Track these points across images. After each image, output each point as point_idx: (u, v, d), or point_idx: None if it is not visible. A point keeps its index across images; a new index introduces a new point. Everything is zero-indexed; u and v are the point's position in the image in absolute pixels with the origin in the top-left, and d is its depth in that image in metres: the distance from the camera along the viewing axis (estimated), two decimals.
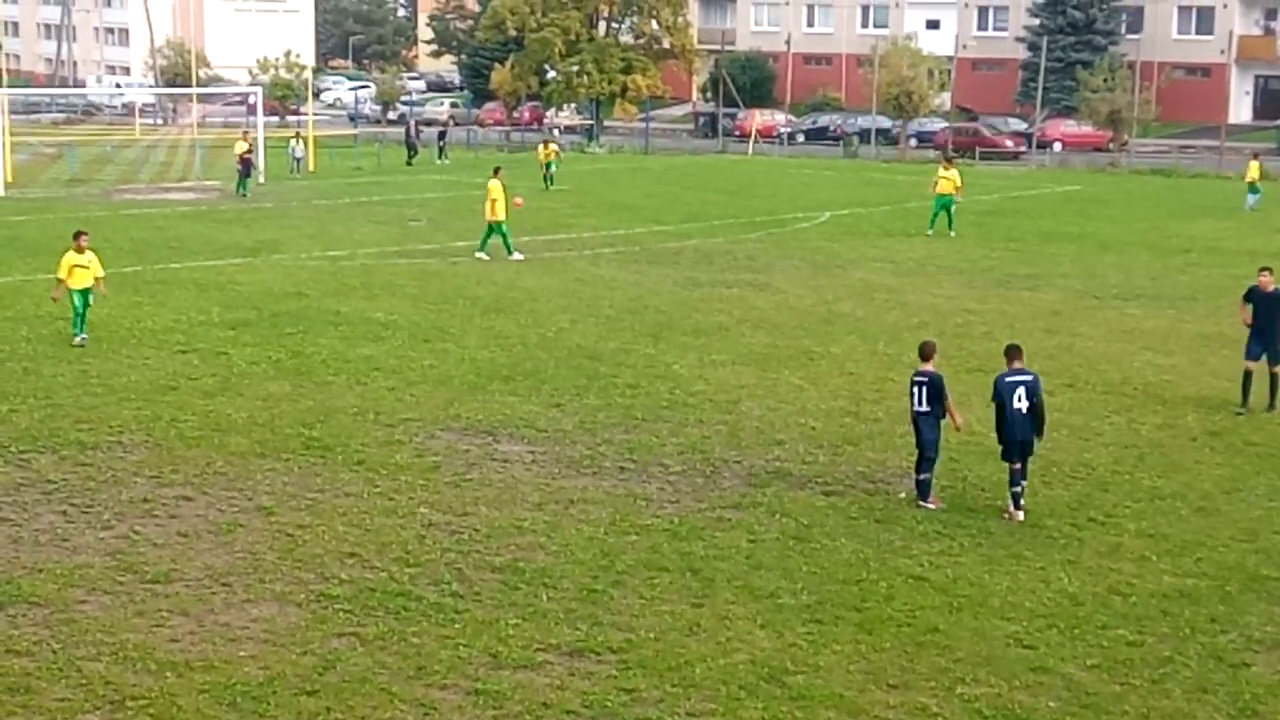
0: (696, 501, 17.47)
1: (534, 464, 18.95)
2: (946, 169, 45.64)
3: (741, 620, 13.81)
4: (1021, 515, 16.98)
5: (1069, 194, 59.28)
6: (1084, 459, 19.51)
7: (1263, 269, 23.02)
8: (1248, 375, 22.32)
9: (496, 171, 38.56)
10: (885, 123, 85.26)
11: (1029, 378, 17.16)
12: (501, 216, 37.02)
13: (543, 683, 12.42)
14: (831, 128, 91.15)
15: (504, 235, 37.06)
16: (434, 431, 20.35)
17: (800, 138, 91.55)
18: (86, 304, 25.59)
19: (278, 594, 14.34)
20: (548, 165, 57.77)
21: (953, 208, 44.54)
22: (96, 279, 25.81)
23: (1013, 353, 17.48)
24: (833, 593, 14.54)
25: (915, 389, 17.46)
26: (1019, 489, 17.12)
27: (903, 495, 17.73)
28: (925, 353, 17.57)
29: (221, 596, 14.28)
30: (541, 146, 60.25)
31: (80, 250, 25.61)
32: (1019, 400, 16.96)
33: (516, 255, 36.77)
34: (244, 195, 51.77)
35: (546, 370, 24.09)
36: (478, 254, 36.93)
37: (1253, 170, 53.66)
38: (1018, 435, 16.99)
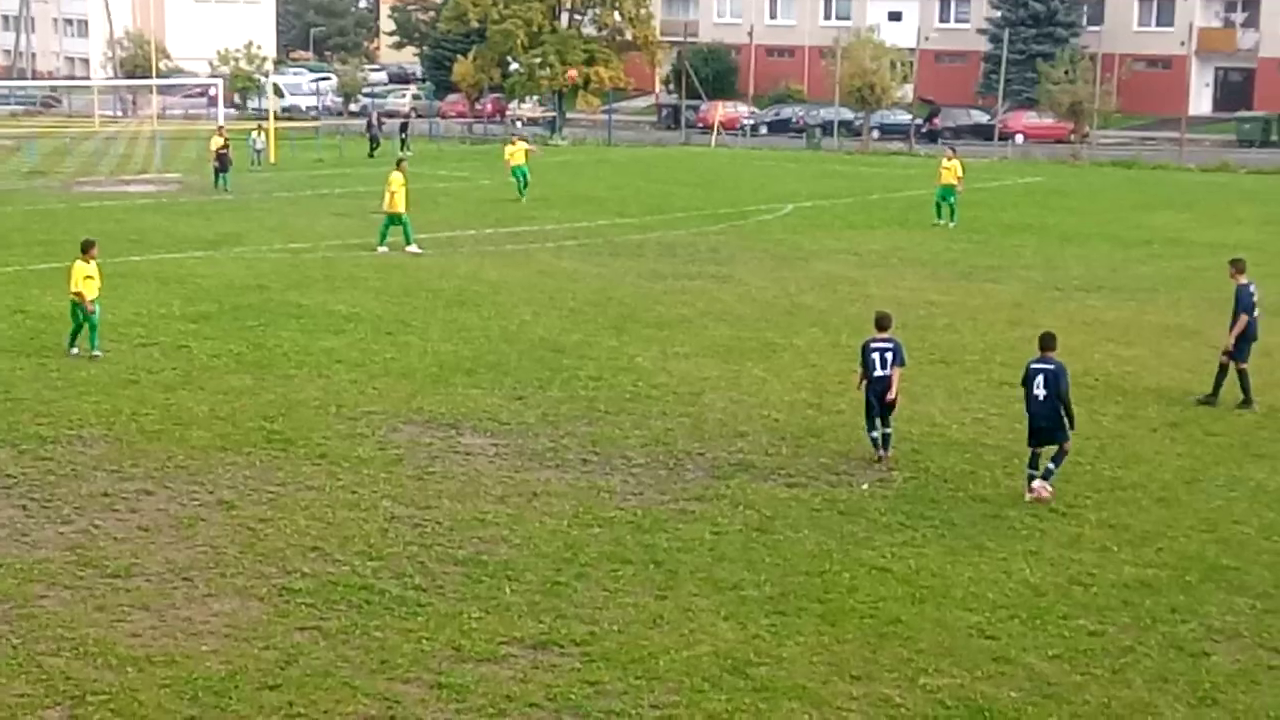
0: (660, 494, 17.47)
1: (497, 457, 18.91)
2: (949, 159, 45.59)
3: (705, 612, 13.81)
4: (1041, 494, 17.26)
5: (1031, 186, 59.50)
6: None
7: (1233, 261, 22.88)
8: (1243, 373, 22.21)
9: (399, 164, 38.37)
10: (848, 115, 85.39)
11: (1050, 366, 17.45)
12: (401, 209, 36.70)
13: (506, 675, 12.40)
14: (794, 120, 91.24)
15: (405, 226, 36.58)
16: (396, 424, 20.29)
17: (763, 130, 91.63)
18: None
19: (239, 588, 14.28)
20: (518, 172, 49.28)
21: (953, 199, 44.66)
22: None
23: (1043, 341, 17.88)
24: (796, 584, 14.56)
25: (877, 355, 18.64)
26: (1033, 472, 17.46)
27: (865, 487, 17.78)
28: (883, 323, 19.06)
29: (183, 591, 14.21)
30: (508, 145, 51.80)
31: (89, 260, 24.29)
32: (1038, 388, 17.39)
33: (413, 248, 36.21)
34: (226, 190, 51.30)
35: (509, 363, 24.06)
36: (379, 249, 36.33)
37: None
38: (1035, 421, 17.49)
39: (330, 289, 30.80)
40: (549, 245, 38.57)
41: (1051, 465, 17.45)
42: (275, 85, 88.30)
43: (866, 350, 18.93)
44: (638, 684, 12.25)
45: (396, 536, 15.78)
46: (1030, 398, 17.49)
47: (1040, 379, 17.38)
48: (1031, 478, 17.44)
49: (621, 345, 25.67)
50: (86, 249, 24.47)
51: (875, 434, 18.87)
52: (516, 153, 49.92)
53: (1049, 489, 17.32)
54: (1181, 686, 12.38)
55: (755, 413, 21.29)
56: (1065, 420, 17.42)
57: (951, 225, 43.78)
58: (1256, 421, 21.24)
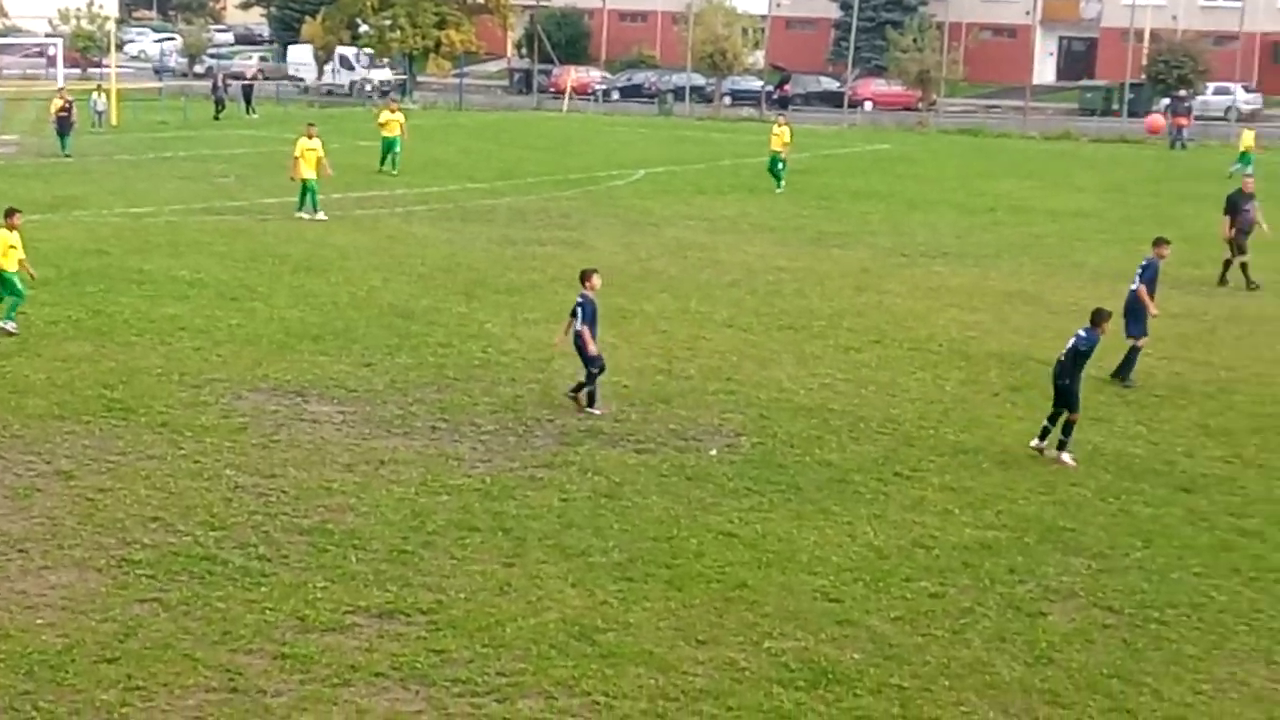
0: (509, 460, 17.42)
1: (344, 424, 18.72)
2: (779, 126, 46.01)
3: (553, 579, 13.81)
4: (1064, 459, 17.70)
5: (879, 153, 60.14)
6: (891, 414, 19.84)
7: (1159, 241, 22.72)
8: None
9: (310, 128, 37.80)
10: (700, 81, 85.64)
11: (1080, 335, 17.97)
12: (310, 175, 36.22)
13: (351, 645, 12.30)
14: (646, 85, 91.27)
15: (312, 193, 36.25)
16: (241, 392, 20.00)
17: (615, 95, 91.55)
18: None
19: (77, 560, 13.99)
20: (388, 143, 46.42)
21: (782, 165, 45.01)
22: (21, 261, 23.25)
23: (1093, 315, 18.25)
24: (643, 550, 14.60)
25: (577, 309, 19.38)
26: (1048, 426, 17.98)
27: (714, 453, 17.87)
28: (586, 278, 19.84)
29: (18, 564, 13.89)
30: (384, 111, 48.42)
31: (11, 229, 22.96)
32: (1064, 350, 18.10)
33: (320, 215, 35.92)
34: (67, 155, 49.97)
35: (357, 329, 23.81)
36: (306, 214, 35.93)
37: (1246, 139, 54.03)
38: (1054, 379, 18.13)
39: (173, 254, 30.23)
40: (399, 210, 38.21)
41: (1062, 435, 17.86)
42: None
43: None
44: (484, 652, 12.22)
45: (240, 506, 15.57)
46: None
47: (1070, 342, 18.03)
48: (1044, 432, 18.01)
49: (471, 311, 25.54)
50: (8, 215, 23.12)
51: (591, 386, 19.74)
52: (391, 123, 46.57)
53: (1072, 459, 17.69)
54: (1019, 646, 12.63)
55: (605, 378, 21.26)
56: (1072, 389, 17.86)
57: (778, 190, 44.21)
58: (1094, 387, 21.64)
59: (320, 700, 11.38)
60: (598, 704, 11.43)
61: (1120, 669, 12.21)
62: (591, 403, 19.52)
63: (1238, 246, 29.99)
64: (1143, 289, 21.92)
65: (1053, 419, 18.04)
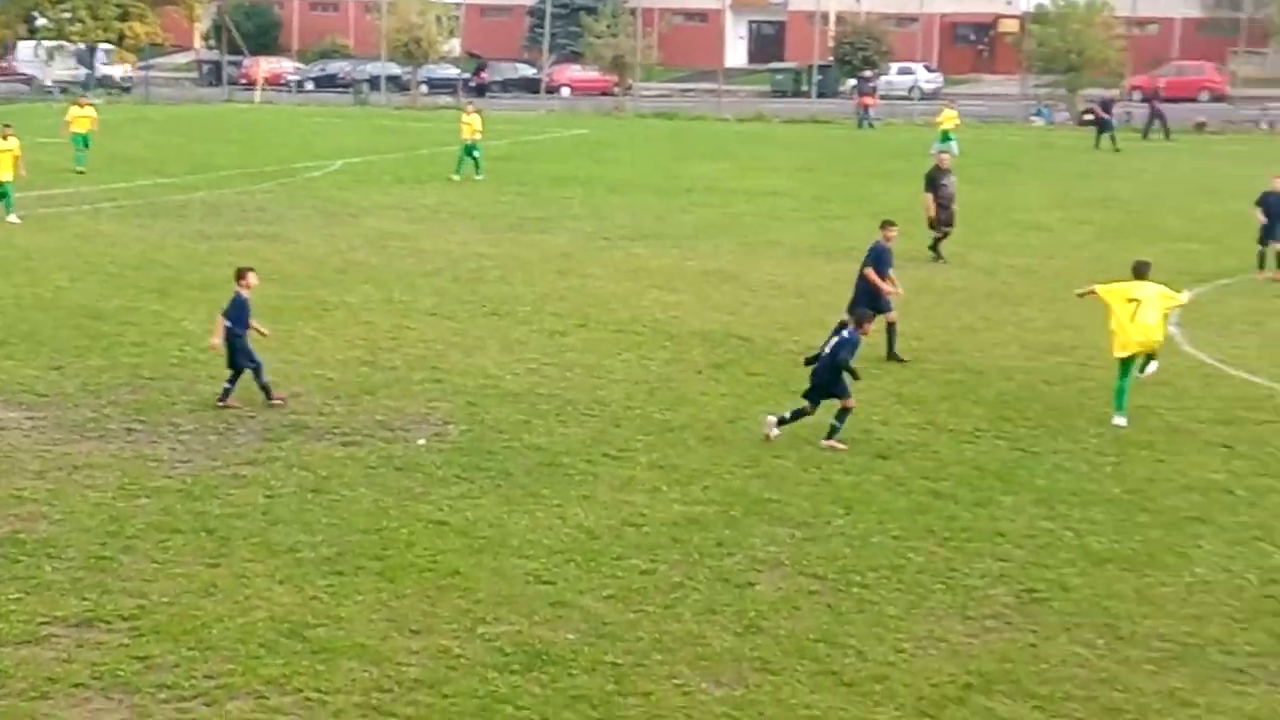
0: (210, 460, 16.98)
1: (34, 430, 17.99)
2: (469, 114, 45.94)
3: (260, 577, 13.51)
4: (835, 445, 17.65)
5: (577, 138, 60.53)
6: (598, 396, 19.97)
7: (885, 224, 22.68)
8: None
9: (6, 128, 36.08)
10: (395, 69, 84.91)
11: (842, 337, 17.89)
12: (6, 177, 34.66)
13: (48, 657, 11.82)
14: (341, 75, 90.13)
15: (7, 196, 34.68)
16: None
17: (309, 85, 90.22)
18: None
19: None
20: (78, 140, 45.66)
21: (478, 151, 44.92)
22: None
23: (855, 317, 18.40)
24: (353, 543, 14.40)
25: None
26: (786, 416, 17.97)
27: (422, 442, 17.73)
28: (241, 275, 19.55)
29: None
30: (72, 107, 47.90)
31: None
32: (823, 347, 18.12)
33: (13, 217, 34.41)
34: None
35: (44, 331, 22.91)
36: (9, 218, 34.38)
37: (947, 119, 55.26)
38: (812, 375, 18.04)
39: None
40: (85, 208, 36.93)
41: (835, 421, 17.69)
42: None
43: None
44: (191, 655, 11.88)
45: None
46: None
47: (832, 341, 18.00)
48: (783, 420, 17.96)
49: (166, 309, 24.82)
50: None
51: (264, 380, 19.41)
52: (81, 118, 45.74)
53: (842, 445, 17.64)
54: (729, 616, 12.85)
55: (308, 372, 20.94)
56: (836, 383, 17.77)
57: (478, 178, 44.19)
58: (794, 360, 22.12)
59: (15, 716, 10.90)
60: (310, 700, 11.23)
61: (826, 633, 12.52)
62: (269, 394, 19.20)
63: (941, 221, 30.91)
64: (869, 271, 22.10)
65: (797, 414, 17.84)
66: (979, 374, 21.30)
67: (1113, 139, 58.52)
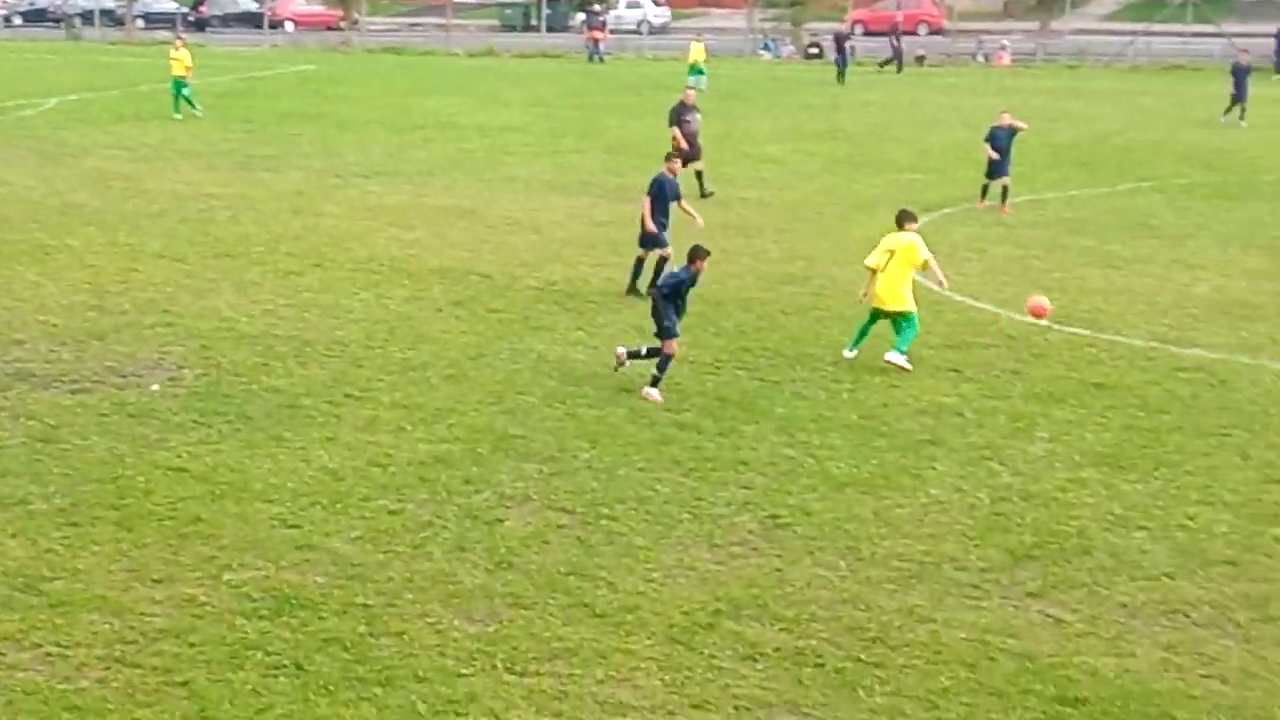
0: None
1: None
2: (177, 50, 44.61)
3: None
4: (652, 395, 17.23)
5: (304, 74, 59.31)
6: (337, 336, 19.67)
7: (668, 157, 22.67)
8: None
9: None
10: (110, 4, 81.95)
11: (674, 272, 17.69)
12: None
13: None
14: (51, 9, 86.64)
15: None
16: None
17: (17, 20, 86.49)
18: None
19: None
20: None
21: (188, 89, 43.65)
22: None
23: (689, 252, 17.65)
24: (88, 493, 13.96)
25: None
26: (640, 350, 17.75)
27: (156, 388, 17.24)
28: None
29: None
30: None
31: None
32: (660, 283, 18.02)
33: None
34: None
35: None
36: None
37: (696, 52, 55.03)
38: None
39: None
40: None
41: (656, 371, 17.27)
42: None
43: None
44: None
45: None
46: None
47: (667, 277, 17.95)
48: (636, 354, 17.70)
49: None
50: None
51: None
52: None
53: (659, 395, 17.22)
54: (479, 553, 12.82)
55: (31, 318, 20.17)
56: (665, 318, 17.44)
57: (178, 117, 42.99)
58: (535, 296, 22.17)
59: None
60: (50, 655, 10.87)
61: (576, 566, 12.59)
62: None
63: (689, 155, 30.88)
64: (645, 201, 22.02)
65: (652, 351, 17.62)
66: (718, 305, 21.55)
67: (841, 75, 59.54)
